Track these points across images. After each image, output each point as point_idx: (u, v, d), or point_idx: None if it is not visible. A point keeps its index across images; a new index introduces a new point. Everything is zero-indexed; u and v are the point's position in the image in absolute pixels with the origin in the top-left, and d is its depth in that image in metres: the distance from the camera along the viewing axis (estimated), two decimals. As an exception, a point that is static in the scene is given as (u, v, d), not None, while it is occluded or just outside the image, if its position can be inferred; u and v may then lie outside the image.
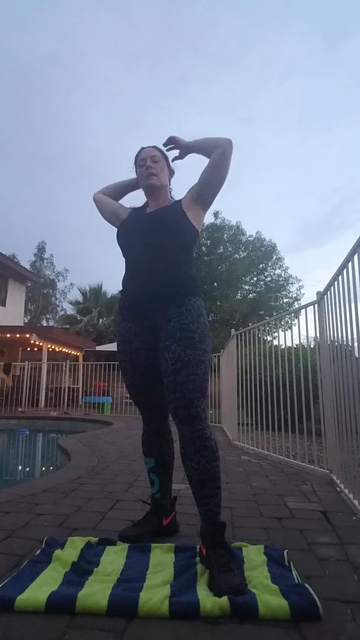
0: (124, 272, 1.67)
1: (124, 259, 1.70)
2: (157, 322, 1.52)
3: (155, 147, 1.76)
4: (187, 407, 1.37)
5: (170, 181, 1.82)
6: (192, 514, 1.88)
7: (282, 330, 4.56)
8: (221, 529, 1.30)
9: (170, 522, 1.62)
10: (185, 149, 1.67)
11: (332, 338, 2.61)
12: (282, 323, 4.69)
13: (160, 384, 1.57)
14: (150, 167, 1.68)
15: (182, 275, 1.53)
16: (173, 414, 1.42)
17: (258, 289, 23.35)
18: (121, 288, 1.66)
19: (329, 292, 2.62)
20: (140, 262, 1.58)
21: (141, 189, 1.79)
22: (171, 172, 1.82)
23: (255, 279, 23.65)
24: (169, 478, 1.68)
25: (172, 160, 1.75)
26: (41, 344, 12.43)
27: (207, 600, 1.05)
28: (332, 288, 2.49)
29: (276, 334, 4.58)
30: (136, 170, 1.77)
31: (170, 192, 1.80)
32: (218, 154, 1.54)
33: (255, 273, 23.38)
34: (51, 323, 27.49)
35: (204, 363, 1.43)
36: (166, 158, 1.77)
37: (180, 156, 1.71)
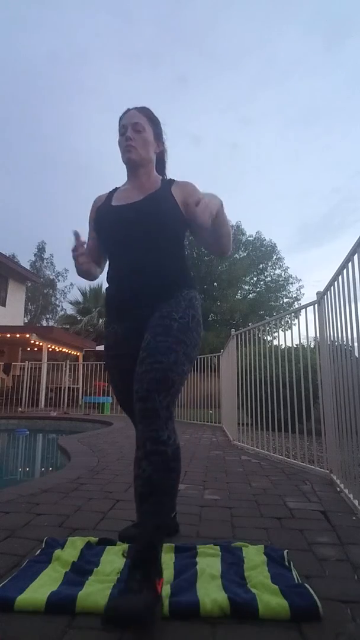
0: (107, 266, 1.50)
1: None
2: (145, 322, 1.32)
3: (141, 110, 1.45)
4: (142, 400, 1.13)
5: (163, 156, 1.55)
6: (192, 514, 1.88)
7: (282, 330, 4.56)
8: (148, 553, 1.04)
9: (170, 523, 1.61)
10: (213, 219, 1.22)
11: (332, 338, 2.61)
12: (282, 323, 4.69)
13: None
14: (129, 138, 1.40)
15: (171, 270, 1.36)
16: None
17: (258, 289, 23.36)
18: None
19: (329, 292, 2.62)
20: (122, 257, 1.39)
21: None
22: (160, 145, 1.51)
23: (255, 279, 23.66)
24: None
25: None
26: (41, 344, 12.44)
27: (207, 600, 1.05)
28: (332, 288, 2.49)
29: (276, 334, 4.59)
30: None
31: (164, 170, 1.55)
32: (223, 248, 1.40)
33: (255, 273, 23.40)
34: (51, 323, 27.50)
35: (176, 353, 1.19)
36: (155, 125, 1.48)
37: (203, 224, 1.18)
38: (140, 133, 1.42)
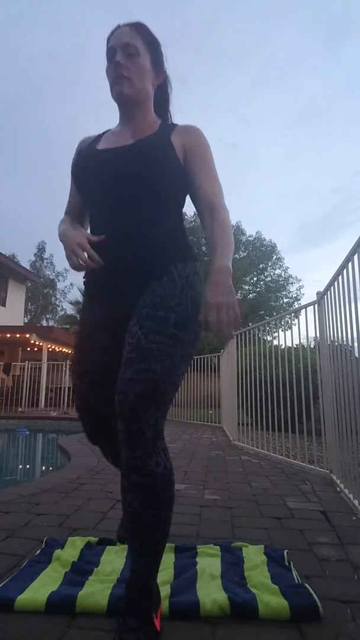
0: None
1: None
2: (131, 305, 1.05)
3: (135, 28, 1.10)
4: (126, 419, 0.90)
5: (166, 91, 1.22)
6: (192, 514, 1.87)
7: (282, 330, 4.55)
8: (142, 598, 0.93)
9: None
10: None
11: (332, 338, 2.61)
12: (282, 323, 4.70)
13: None
14: (119, 64, 1.07)
15: (163, 235, 1.06)
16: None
17: (258, 289, 23.38)
18: None
19: (329, 292, 2.62)
20: (103, 220, 1.10)
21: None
22: (160, 75, 1.17)
23: (255, 279, 23.68)
24: None
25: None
26: (41, 344, 12.44)
27: (207, 600, 1.05)
28: (332, 288, 2.49)
29: (276, 334, 4.59)
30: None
31: (166, 111, 1.24)
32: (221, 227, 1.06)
33: (255, 273, 23.42)
34: (51, 323, 27.51)
35: (172, 357, 0.95)
36: (154, 48, 1.13)
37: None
38: (133, 58, 1.07)
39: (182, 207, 1.17)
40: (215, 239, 1.02)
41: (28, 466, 4.47)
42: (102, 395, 1.10)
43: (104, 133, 1.21)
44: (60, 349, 13.93)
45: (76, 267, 1.04)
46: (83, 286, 1.21)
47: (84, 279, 1.18)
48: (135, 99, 1.11)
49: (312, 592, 1.08)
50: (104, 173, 1.08)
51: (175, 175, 1.09)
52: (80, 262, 1.01)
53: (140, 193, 1.06)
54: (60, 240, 1.10)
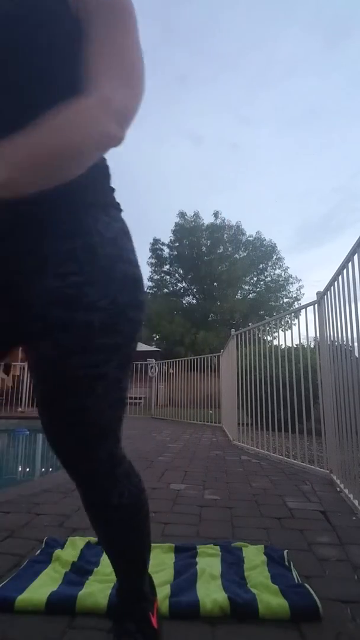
0: None
1: None
2: (20, 281, 0.68)
3: None
4: (68, 468, 0.76)
5: None
6: (192, 514, 1.87)
7: (282, 330, 4.56)
8: (135, 600, 0.90)
9: None
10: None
11: (332, 338, 2.61)
12: (282, 323, 4.70)
13: None
14: None
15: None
16: None
17: (258, 289, 23.39)
18: None
19: (329, 292, 2.62)
20: None
21: None
22: None
23: (255, 279, 23.69)
24: None
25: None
26: (41, 344, 12.41)
27: (207, 600, 1.05)
28: (332, 288, 2.49)
29: (276, 334, 4.59)
30: None
31: None
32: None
33: (255, 273, 23.43)
34: (51, 323, 27.46)
35: (105, 381, 0.69)
36: None
37: None
38: None
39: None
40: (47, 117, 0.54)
41: (28, 466, 4.47)
42: None
43: None
44: (60, 349, 13.92)
45: None
46: None
47: None
48: None
49: (312, 592, 1.08)
50: None
51: (63, 41, 0.63)
52: None
53: (12, 77, 0.63)
54: None
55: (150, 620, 0.90)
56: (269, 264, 23.65)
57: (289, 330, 3.91)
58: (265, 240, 23.58)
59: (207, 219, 23.13)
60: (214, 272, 21.23)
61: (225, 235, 22.56)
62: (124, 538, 0.84)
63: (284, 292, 23.52)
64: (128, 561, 0.89)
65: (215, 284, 21.73)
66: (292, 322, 3.90)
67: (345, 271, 2.15)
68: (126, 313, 0.69)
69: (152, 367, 9.47)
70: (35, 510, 1.89)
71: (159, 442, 4.63)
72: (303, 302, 16.54)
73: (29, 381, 10.53)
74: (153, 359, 9.91)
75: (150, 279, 23.42)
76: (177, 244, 22.56)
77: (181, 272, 23.05)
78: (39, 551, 1.38)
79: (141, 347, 16.66)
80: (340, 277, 2.25)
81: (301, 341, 3.60)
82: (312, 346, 4.01)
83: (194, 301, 22.85)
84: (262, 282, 23.59)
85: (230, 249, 22.51)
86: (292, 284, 23.57)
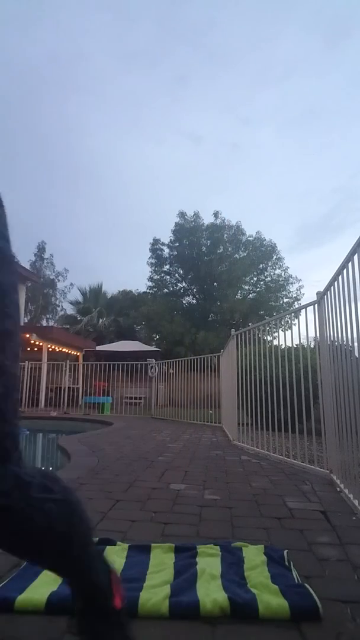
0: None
1: None
2: None
3: None
4: None
5: None
6: (192, 514, 1.87)
7: (282, 330, 4.56)
8: (91, 594, 0.80)
9: None
10: None
11: (332, 338, 2.61)
12: (282, 323, 4.70)
13: None
14: None
15: None
16: None
17: (258, 289, 23.37)
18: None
19: (329, 292, 2.62)
20: None
21: None
22: None
23: (255, 279, 23.67)
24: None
25: None
26: (41, 344, 12.43)
27: (207, 600, 1.05)
28: (332, 288, 2.49)
29: (276, 334, 4.59)
30: None
31: None
32: None
33: (255, 273, 23.40)
34: (51, 323, 27.48)
35: None
36: None
37: None
38: None
39: None
40: None
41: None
42: None
43: None
44: (60, 349, 13.93)
45: None
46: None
47: None
48: None
49: (312, 592, 1.08)
50: None
51: None
52: None
53: None
54: None
55: (112, 607, 0.80)
56: (269, 264, 23.63)
57: (289, 330, 3.91)
58: (265, 240, 23.55)
59: (207, 219, 23.10)
60: (214, 272, 21.22)
61: (225, 235, 22.54)
62: (29, 555, 0.72)
63: (284, 292, 23.50)
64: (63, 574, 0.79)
65: (215, 284, 21.73)
66: (292, 322, 3.90)
67: (345, 271, 2.15)
68: (5, 304, 0.67)
69: (152, 367, 9.48)
70: (35, 510, 1.89)
71: (159, 442, 4.63)
72: (303, 302, 16.53)
73: (29, 381, 10.53)
74: (153, 359, 9.92)
75: (150, 279, 23.42)
76: (177, 244, 22.55)
77: (181, 272, 23.04)
78: (39, 551, 1.38)
79: (141, 347, 16.66)
80: (340, 277, 2.25)
81: (301, 341, 3.60)
82: (312, 346, 4.01)
83: (194, 301, 22.84)
84: (262, 282, 23.57)
85: (230, 249, 22.49)
86: (292, 284, 23.55)
